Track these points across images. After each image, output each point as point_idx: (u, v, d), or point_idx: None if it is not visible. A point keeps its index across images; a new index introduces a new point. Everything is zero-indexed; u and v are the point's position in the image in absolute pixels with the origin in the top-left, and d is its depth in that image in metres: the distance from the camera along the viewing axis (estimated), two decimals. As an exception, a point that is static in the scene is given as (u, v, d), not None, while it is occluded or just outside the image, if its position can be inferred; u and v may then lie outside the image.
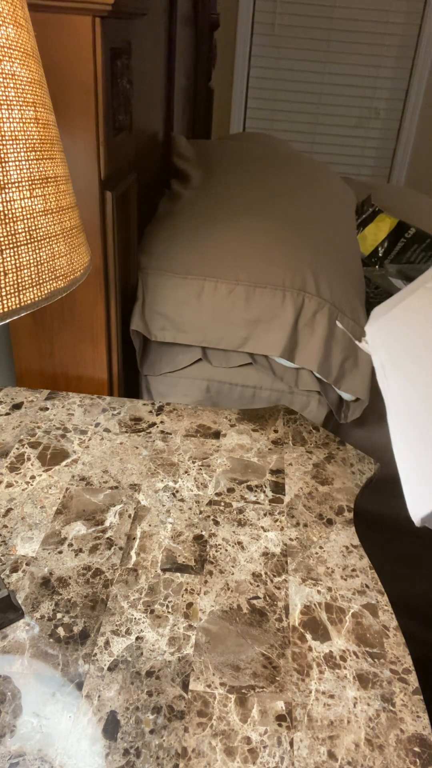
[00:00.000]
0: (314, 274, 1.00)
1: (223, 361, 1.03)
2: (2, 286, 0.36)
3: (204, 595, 0.58)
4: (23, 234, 0.37)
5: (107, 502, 0.69)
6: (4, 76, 0.36)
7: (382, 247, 1.56)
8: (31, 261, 0.38)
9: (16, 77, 0.37)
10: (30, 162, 0.38)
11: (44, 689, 0.50)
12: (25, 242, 0.38)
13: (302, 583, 0.60)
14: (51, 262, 0.40)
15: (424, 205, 1.88)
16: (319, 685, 0.51)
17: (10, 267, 0.36)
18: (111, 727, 0.47)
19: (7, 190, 0.36)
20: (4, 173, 0.36)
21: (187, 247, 1.02)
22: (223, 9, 2.85)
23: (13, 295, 0.37)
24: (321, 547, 0.65)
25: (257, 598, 0.59)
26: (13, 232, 0.37)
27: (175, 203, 1.18)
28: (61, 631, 0.54)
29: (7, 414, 0.83)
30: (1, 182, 0.35)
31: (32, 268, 0.38)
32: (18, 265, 0.37)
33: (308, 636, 0.55)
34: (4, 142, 0.36)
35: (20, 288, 0.37)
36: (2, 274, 0.36)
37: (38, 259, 0.39)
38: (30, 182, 0.38)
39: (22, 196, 0.37)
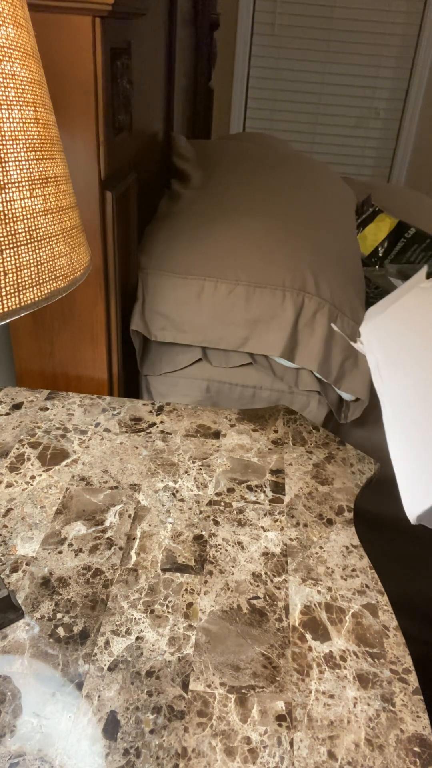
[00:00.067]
0: (314, 274, 1.00)
1: (223, 361, 1.03)
2: (2, 286, 0.36)
3: (204, 595, 0.58)
4: (23, 234, 0.37)
5: (107, 502, 0.69)
6: (4, 76, 0.36)
7: (382, 247, 1.56)
8: (31, 261, 0.38)
9: (16, 77, 0.37)
10: (30, 162, 0.38)
11: (44, 689, 0.50)
12: (25, 242, 0.38)
13: (302, 583, 0.60)
14: (51, 262, 0.40)
15: (424, 205, 1.88)
16: (319, 685, 0.51)
17: (10, 267, 0.36)
18: (111, 727, 0.47)
19: (7, 190, 0.36)
20: (4, 173, 0.36)
21: (187, 247, 1.02)
22: (223, 9, 2.85)
23: (13, 295, 0.37)
24: (321, 547, 0.65)
25: (257, 598, 0.59)
26: (13, 232, 0.37)
27: (175, 203, 1.18)
28: (61, 631, 0.54)
29: (7, 414, 0.83)
30: (1, 182, 0.35)
31: (32, 268, 0.38)
32: (18, 265, 0.37)
33: (308, 636, 0.55)
34: (4, 142, 0.36)
35: (20, 288, 0.37)
36: (2, 274, 0.36)
37: (38, 259, 0.39)
38: (30, 182, 0.38)
39: (22, 196, 0.37)
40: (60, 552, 0.62)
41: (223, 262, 0.99)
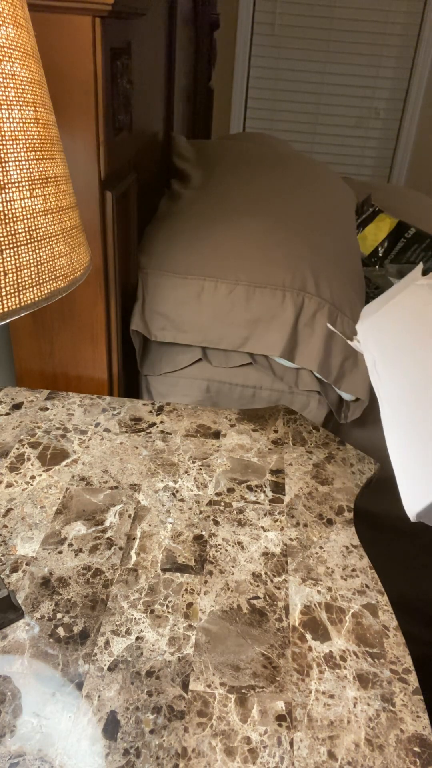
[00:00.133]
0: (314, 274, 1.00)
1: (223, 361, 1.03)
2: (2, 286, 0.36)
3: (204, 595, 0.58)
4: (23, 234, 0.37)
5: (107, 502, 0.69)
6: (4, 76, 0.36)
7: (382, 247, 1.56)
8: (31, 261, 0.38)
9: (16, 77, 0.37)
10: (30, 162, 0.38)
11: (44, 689, 0.50)
12: (25, 242, 0.38)
13: (302, 583, 0.60)
14: (51, 262, 0.40)
15: (424, 205, 1.88)
16: (319, 685, 0.51)
17: (10, 267, 0.36)
18: (111, 727, 0.47)
19: (7, 190, 0.36)
20: (4, 173, 0.36)
21: (187, 247, 1.02)
22: (223, 9, 2.85)
23: (13, 295, 0.37)
24: (321, 547, 0.65)
25: (257, 598, 0.59)
26: (13, 232, 0.37)
27: (175, 203, 1.18)
28: (61, 631, 0.54)
29: (7, 414, 0.83)
30: (1, 182, 0.35)
31: (32, 268, 0.38)
32: (18, 265, 0.37)
33: (308, 636, 0.55)
34: (4, 142, 0.36)
35: (20, 288, 0.37)
36: (2, 274, 0.36)
37: (38, 259, 0.39)
38: (30, 182, 0.38)
39: (22, 196, 0.37)
40: (60, 552, 0.62)
41: (223, 262, 0.99)
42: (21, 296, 0.37)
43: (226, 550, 0.64)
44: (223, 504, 0.70)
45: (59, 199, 0.42)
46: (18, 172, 0.37)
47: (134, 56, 0.92)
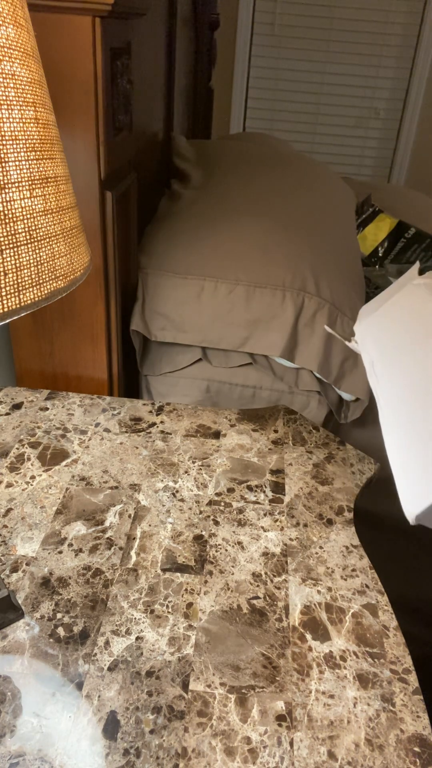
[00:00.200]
0: (314, 274, 1.00)
1: (223, 361, 1.03)
2: (2, 286, 0.36)
3: (204, 595, 0.58)
4: (23, 234, 0.37)
5: (107, 502, 0.69)
6: (4, 76, 0.36)
7: (382, 247, 1.56)
8: (31, 261, 0.38)
9: (16, 77, 0.37)
10: (30, 162, 0.38)
11: (44, 689, 0.50)
12: (25, 242, 0.38)
13: (302, 583, 0.60)
14: (51, 262, 0.40)
15: (424, 205, 1.88)
16: (319, 685, 0.51)
17: (10, 267, 0.36)
18: (111, 727, 0.47)
19: (7, 190, 0.36)
20: (4, 173, 0.36)
21: (187, 247, 1.02)
22: (223, 9, 2.85)
23: (13, 295, 0.37)
24: (321, 547, 0.65)
25: (257, 598, 0.59)
26: (13, 232, 0.37)
27: (175, 203, 1.18)
28: (61, 631, 0.54)
29: (7, 414, 0.83)
30: (1, 182, 0.35)
31: (32, 268, 0.38)
32: (18, 265, 0.37)
33: (308, 636, 0.55)
34: (4, 142, 0.36)
35: (20, 288, 0.37)
36: (2, 274, 0.36)
37: (38, 259, 0.39)
38: (30, 182, 0.38)
39: (22, 196, 0.37)
40: (60, 552, 0.62)
41: (223, 262, 0.99)
42: (21, 296, 0.37)
43: (226, 550, 0.64)
44: (223, 504, 0.70)
45: (59, 199, 0.42)
46: (18, 172, 0.37)
47: (134, 56, 0.92)
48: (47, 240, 0.40)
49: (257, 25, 2.89)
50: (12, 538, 0.63)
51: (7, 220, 0.36)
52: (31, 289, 0.38)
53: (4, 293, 0.36)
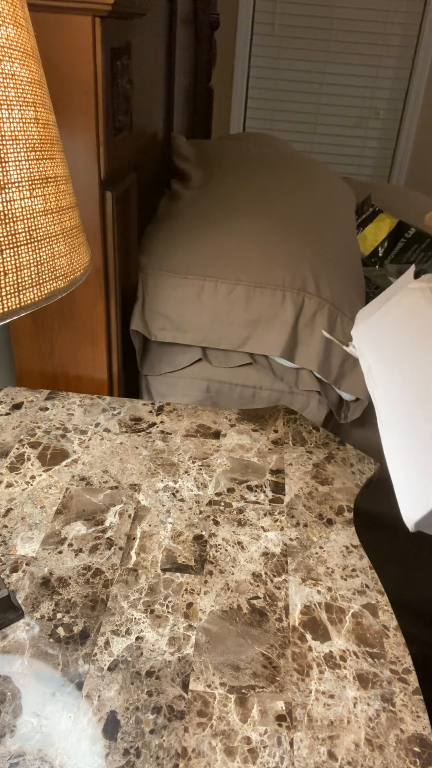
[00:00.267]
0: (314, 274, 1.00)
1: (223, 361, 1.03)
2: (2, 286, 0.36)
3: (204, 595, 0.58)
4: (23, 234, 0.37)
5: (107, 502, 0.69)
6: (4, 76, 0.36)
7: (382, 247, 1.56)
8: (31, 261, 0.38)
9: (16, 77, 0.37)
10: (30, 162, 0.38)
11: (44, 689, 0.50)
12: (25, 242, 0.38)
13: (302, 583, 0.60)
14: (51, 262, 0.40)
15: (424, 205, 1.88)
16: (319, 685, 0.51)
17: (10, 267, 0.36)
18: (111, 727, 0.47)
19: (7, 190, 0.36)
20: (4, 173, 0.36)
21: (187, 247, 1.02)
22: (223, 9, 2.85)
23: (13, 295, 0.37)
24: (321, 547, 0.65)
25: (257, 598, 0.59)
26: (13, 232, 0.37)
27: (175, 203, 1.18)
28: (61, 631, 0.54)
29: (7, 414, 0.83)
30: (1, 182, 0.35)
31: (32, 268, 0.38)
32: (18, 265, 0.37)
33: (308, 636, 0.55)
34: (4, 142, 0.36)
35: (20, 288, 0.37)
36: (2, 274, 0.36)
37: (38, 259, 0.39)
38: (30, 182, 0.38)
39: (22, 196, 0.37)
40: (60, 552, 0.62)
41: (223, 262, 0.99)
42: (21, 296, 0.37)
43: (226, 550, 0.64)
44: (223, 504, 0.70)
45: (59, 199, 0.42)
46: (18, 172, 0.37)
47: (134, 56, 0.92)
48: (47, 240, 0.40)
49: (257, 25, 2.89)
50: (12, 538, 0.63)
51: (7, 220, 0.36)
52: (31, 289, 0.38)
53: (4, 293, 0.36)
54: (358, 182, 2.07)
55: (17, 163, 0.37)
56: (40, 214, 0.39)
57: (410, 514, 0.55)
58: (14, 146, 0.36)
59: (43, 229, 0.39)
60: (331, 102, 3.05)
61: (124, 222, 0.93)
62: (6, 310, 0.36)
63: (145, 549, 0.63)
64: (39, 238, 0.39)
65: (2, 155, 0.35)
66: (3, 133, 0.36)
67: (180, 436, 0.81)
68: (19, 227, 0.37)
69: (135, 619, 0.56)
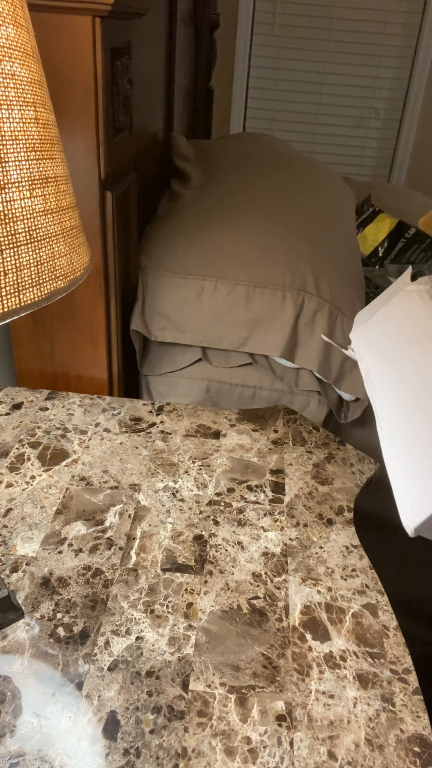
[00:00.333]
0: (314, 274, 1.00)
1: (223, 361, 1.03)
2: (2, 286, 0.36)
3: (204, 595, 0.58)
4: (23, 234, 0.37)
5: (107, 502, 0.69)
6: (4, 76, 0.36)
7: (382, 247, 1.56)
8: (31, 261, 0.38)
9: (16, 77, 0.37)
10: (30, 162, 0.38)
11: (44, 689, 0.50)
12: (25, 242, 0.38)
13: (302, 583, 0.60)
14: (51, 262, 0.40)
15: (424, 205, 1.88)
16: (319, 685, 0.51)
17: (10, 267, 0.36)
18: (111, 727, 0.47)
19: (7, 190, 0.36)
20: (4, 173, 0.36)
21: (187, 247, 1.02)
22: (223, 9, 2.85)
23: (13, 295, 0.37)
24: (321, 547, 0.65)
25: (257, 598, 0.59)
26: (13, 232, 0.37)
27: (175, 203, 1.18)
28: (61, 631, 0.54)
29: (7, 414, 0.83)
30: (1, 182, 0.35)
31: (32, 268, 0.38)
32: (18, 265, 0.37)
33: (308, 636, 0.55)
34: (4, 142, 0.36)
35: (20, 288, 0.37)
36: (2, 274, 0.36)
37: (38, 259, 0.39)
38: (30, 182, 0.38)
39: (22, 196, 0.37)
40: (60, 552, 0.62)
41: (223, 262, 0.99)
42: (21, 296, 0.37)
43: (226, 550, 0.64)
44: (223, 504, 0.70)
45: (59, 199, 0.42)
46: (18, 172, 0.37)
47: (134, 56, 0.92)
48: (47, 240, 0.40)
49: (257, 25, 2.89)
50: (12, 538, 0.63)
51: (7, 220, 0.36)
52: (31, 289, 0.38)
53: (4, 293, 0.36)
54: (358, 182, 2.07)
55: (17, 163, 0.37)
56: (40, 214, 0.39)
57: (410, 519, 0.55)
58: (14, 146, 0.36)
59: (43, 229, 0.39)
60: (331, 102, 3.05)
61: (124, 222, 0.93)
62: (6, 310, 0.36)
63: (145, 549, 0.63)
64: (39, 238, 0.39)
65: (2, 155, 0.35)
66: (3, 133, 0.36)
67: (180, 436, 0.81)
68: (19, 227, 0.37)
69: (135, 619, 0.56)
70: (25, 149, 0.37)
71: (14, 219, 0.37)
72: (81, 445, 0.78)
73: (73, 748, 0.46)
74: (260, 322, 0.98)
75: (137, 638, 0.54)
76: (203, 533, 0.66)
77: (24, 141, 0.37)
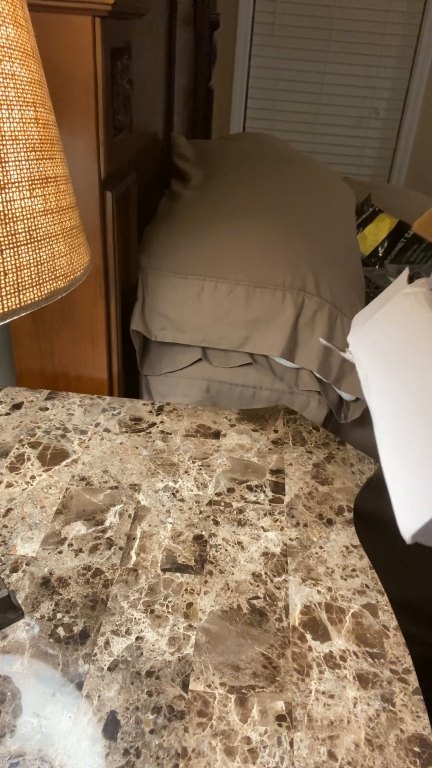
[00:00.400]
0: (314, 274, 1.00)
1: (223, 361, 1.03)
2: (2, 286, 0.36)
3: (204, 595, 0.58)
4: (23, 234, 0.37)
5: (107, 502, 0.69)
6: (4, 76, 0.36)
7: (382, 247, 1.56)
8: (31, 261, 0.38)
9: (16, 77, 0.37)
10: (30, 162, 0.38)
11: (44, 689, 0.50)
12: (25, 242, 0.38)
13: (302, 583, 0.60)
14: (51, 262, 0.40)
15: (424, 205, 1.88)
16: (319, 685, 0.51)
17: (10, 267, 0.36)
18: (111, 727, 0.47)
19: (7, 190, 0.36)
20: (4, 173, 0.36)
21: (187, 247, 1.02)
22: (223, 9, 2.85)
23: (13, 295, 0.37)
24: (321, 547, 0.65)
25: (257, 598, 0.59)
26: (13, 232, 0.37)
27: (175, 203, 1.18)
28: (61, 631, 0.54)
29: (7, 414, 0.83)
30: (1, 182, 0.35)
31: (32, 268, 0.38)
32: (18, 265, 0.37)
33: (308, 636, 0.55)
34: (4, 142, 0.36)
35: (20, 288, 0.37)
36: (2, 274, 0.36)
37: (38, 259, 0.39)
38: (30, 182, 0.38)
39: (22, 196, 0.37)
40: (60, 552, 0.62)
41: (223, 262, 0.99)
42: (21, 296, 0.37)
43: (226, 550, 0.64)
44: (223, 504, 0.70)
45: (59, 199, 0.42)
46: (18, 172, 0.37)
47: (134, 56, 0.92)
48: (47, 240, 0.40)
49: (257, 25, 2.89)
50: (12, 538, 0.63)
51: (7, 220, 0.36)
52: (31, 289, 0.38)
53: (4, 293, 0.36)
54: (358, 182, 2.07)
55: (17, 163, 0.37)
56: (40, 214, 0.39)
57: (407, 526, 0.55)
58: (14, 146, 0.36)
59: (43, 229, 0.39)
60: (331, 102, 3.05)
61: (124, 222, 0.93)
62: (6, 310, 0.36)
63: (145, 549, 0.63)
64: (39, 238, 0.39)
65: (2, 155, 0.35)
66: (3, 133, 0.36)
67: (180, 436, 0.81)
68: (19, 227, 0.37)
69: (135, 619, 0.56)
70: (25, 149, 0.37)
71: (14, 219, 0.37)
72: (81, 445, 0.78)
73: (73, 748, 0.46)
74: (260, 322, 0.98)
75: (137, 638, 0.54)
76: (203, 533, 0.66)
77: (24, 141, 0.37)
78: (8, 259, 0.36)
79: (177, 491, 0.71)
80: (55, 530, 0.65)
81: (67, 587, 0.58)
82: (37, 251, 0.39)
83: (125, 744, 0.46)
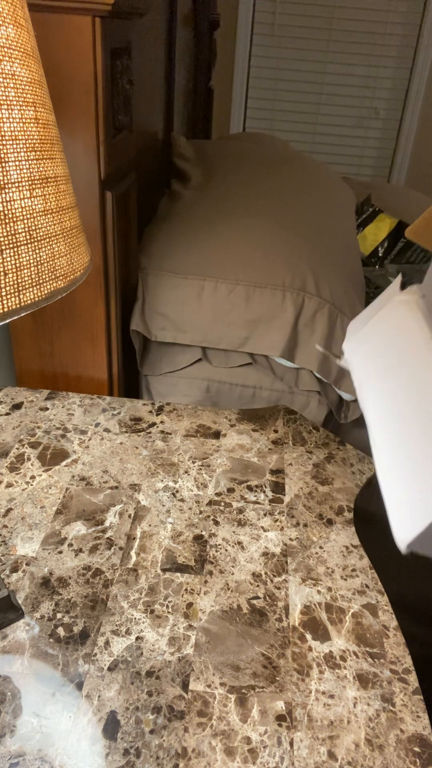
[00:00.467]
0: (314, 274, 1.00)
1: (223, 361, 1.03)
2: (2, 286, 0.36)
3: (204, 595, 0.58)
4: (23, 234, 0.37)
5: (107, 502, 0.69)
6: (4, 76, 0.36)
7: (382, 247, 1.56)
8: (31, 261, 0.38)
9: (16, 77, 0.37)
10: (30, 162, 0.38)
11: (44, 689, 0.50)
12: (25, 242, 0.38)
13: (302, 583, 0.60)
14: (51, 262, 0.40)
15: (424, 205, 1.88)
16: (319, 685, 0.51)
17: (10, 267, 0.36)
18: (111, 727, 0.47)
19: (7, 190, 0.36)
20: (4, 173, 0.36)
21: (187, 247, 1.02)
22: (223, 9, 2.85)
23: (13, 295, 0.37)
24: (321, 547, 0.65)
25: (257, 598, 0.59)
26: (13, 232, 0.37)
27: (175, 203, 1.18)
28: (61, 631, 0.54)
29: (7, 414, 0.83)
30: (1, 182, 0.35)
31: (32, 268, 0.38)
32: (18, 265, 0.37)
33: (308, 636, 0.55)
34: (4, 142, 0.36)
35: (20, 288, 0.37)
36: (2, 274, 0.36)
37: (38, 259, 0.39)
38: (30, 182, 0.38)
39: (22, 196, 0.37)
40: (60, 552, 0.62)
41: (223, 262, 0.99)
42: (21, 296, 0.37)
43: (226, 550, 0.64)
44: (223, 504, 0.70)
45: (59, 199, 0.42)
46: (18, 172, 0.37)
47: (134, 56, 0.92)
48: (47, 240, 0.40)
49: (257, 25, 2.88)
50: (12, 538, 0.63)
51: (7, 220, 0.36)
52: (31, 289, 0.38)
53: (4, 293, 0.36)
54: (358, 182, 2.07)
55: (17, 163, 0.37)
56: (40, 214, 0.39)
57: (402, 535, 0.54)
58: (14, 146, 0.36)
59: (43, 229, 0.39)
60: (331, 102, 3.05)
61: (124, 222, 0.93)
62: (6, 310, 0.36)
63: (145, 549, 0.63)
64: (39, 238, 0.39)
65: (2, 155, 0.35)
66: (3, 133, 0.36)
67: (180, 436, 0.81)
68: (19, 227, 0.37)
69: (135, 619, 0.56)
70: (25, 149, 0.37)
71: (14, 219, 0.37)
72: (81, 445, 0.78)
73: (73, 748, 0.46)
74: (260, 322, 0.98)
75: (137, 638, 0.54)
76: (203, 533, 0.66)
77: (24, 141, 0.37)
78: (8, 259, 0.36)
79: (177, 491, 0.71)
80: (55, 530, 0.65)
81: (67, 587, 0.58)
82: (37, 251, 0.39)
83: (125, 744, 0.46)
